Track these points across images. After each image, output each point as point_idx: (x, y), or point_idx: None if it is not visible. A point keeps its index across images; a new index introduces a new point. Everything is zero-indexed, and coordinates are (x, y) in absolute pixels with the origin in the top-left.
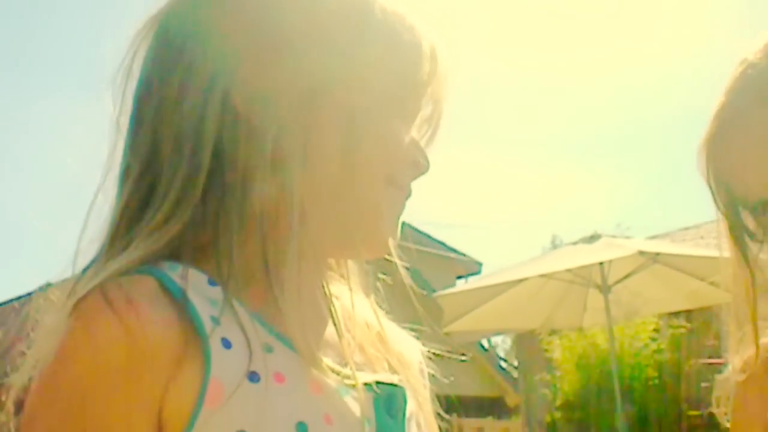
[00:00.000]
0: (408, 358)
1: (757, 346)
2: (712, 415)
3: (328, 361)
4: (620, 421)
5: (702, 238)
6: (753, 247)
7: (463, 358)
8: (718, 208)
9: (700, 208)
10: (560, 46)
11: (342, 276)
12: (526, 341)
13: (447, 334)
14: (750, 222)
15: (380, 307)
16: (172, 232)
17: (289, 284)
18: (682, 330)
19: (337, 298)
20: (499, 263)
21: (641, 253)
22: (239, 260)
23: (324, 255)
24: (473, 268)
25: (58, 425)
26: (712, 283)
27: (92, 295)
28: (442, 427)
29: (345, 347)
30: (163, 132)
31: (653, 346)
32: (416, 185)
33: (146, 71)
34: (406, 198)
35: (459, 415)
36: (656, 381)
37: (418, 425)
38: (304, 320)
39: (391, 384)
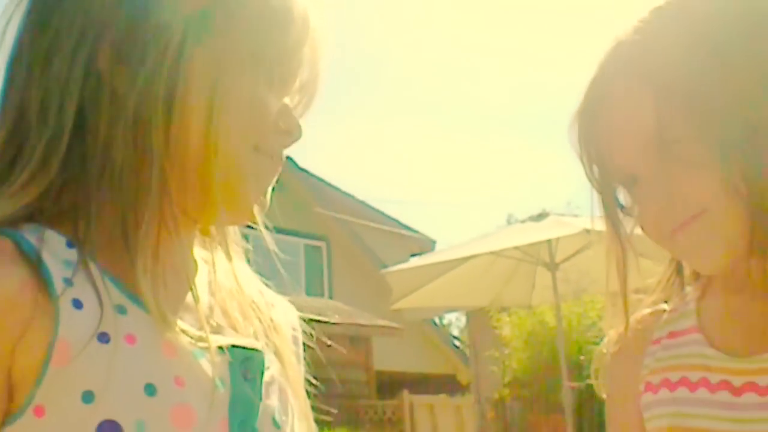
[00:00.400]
0: (279, 324)
1: (627, 319)
2: None
3: (185, 324)
4: (566, 397)
5: None
6: (628, 222)
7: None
8: (591, 183)
9: None
10: (518, 27)
11: (219, 243)
12: (477, 319)
13: (397, 310)
14: (625, 197)
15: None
16: (32, 195)
17: (144, 247)
18: None
19: (206, 262)
20: (454, 242)
21: (587, 231)
22: (98, 223)
23: (187, 219)
24: (427, 246)
25: None
26: (658, 261)
27: None
28: (311, 392)
29: (200, 311)
30: (30, 95)
31: (601, 324)
32: (372, 162)
33: (19, 34)
34: (278, 166)
35: (410, 392)
36: None
37: (282, 390)
38: (159, 283)
39: (250, 348)
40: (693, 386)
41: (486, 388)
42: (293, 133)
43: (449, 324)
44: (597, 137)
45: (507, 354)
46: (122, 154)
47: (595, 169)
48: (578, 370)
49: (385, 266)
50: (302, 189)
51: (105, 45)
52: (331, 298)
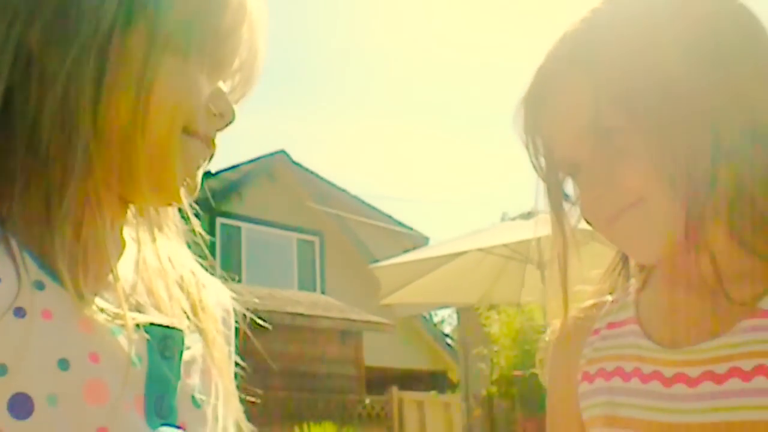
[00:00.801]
0: (208, 305)
1: (566, 310)
2: None
3: (104, 302)
4: None
5: None
6: (574, 213)
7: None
8: (537, 172)
9: None
10: (514, 22)
11: (143, 223)
12: (468, 316)
13: (387, 306)
14: (573, 188)
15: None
16: None
17: (63, 225)
18: None
19: (136, 242)
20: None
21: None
22: (22, 201)
23: (114, 199)
24: (421, 242)
25: None
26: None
27: None
28: (238, 373)
29: (119, 289)
30: None
31: None
32: (369, 159)
33: None
34: (209, 149)
35: (401, 389)
36: None
37: (206, 371)
38: (79, 261)
39: (170, 327)
40: (627, 376)
41: (474, 386)
42: (226, 117)
43: (442, 321)
44: (541, 125)
45: (495, 351)
46: (48, 134)
47: (540, 158)
48: None
49: (378, 262)
50: (296, 183)
51: (36, 26)
52: (323, 293)
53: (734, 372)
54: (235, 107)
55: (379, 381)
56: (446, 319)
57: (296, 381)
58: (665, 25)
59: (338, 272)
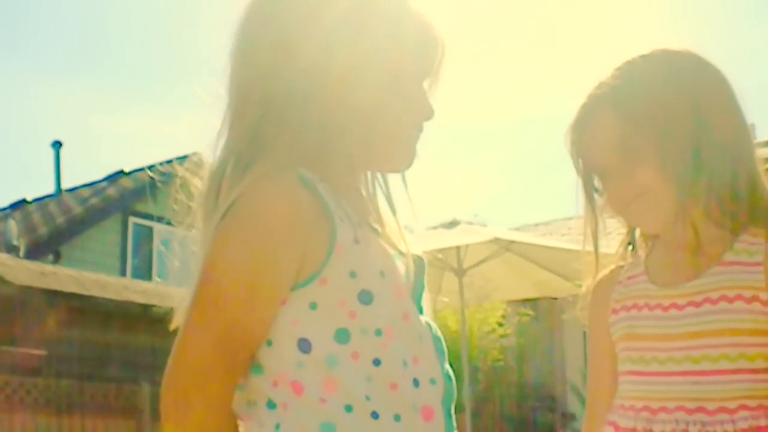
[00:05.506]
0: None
1: (597, 269)
2: (552, 398)
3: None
4: (466, 399)
5: (551, 234)
6: (599, 200)
7: None
8: (577, 173)
9: (551, 206)
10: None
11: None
12: None
13: None
14: (598, 183)
15: None
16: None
17: (348, 186)
18: (527, 317)
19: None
20: None
21: (497, 240)
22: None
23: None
24: None
25: (244, 248)
26: (559, 275)
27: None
28: None
29: (400, 229)
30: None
31: (500, 330)
32: None
33: None
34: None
35: None
36: (501, 363)
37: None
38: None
39: (420, 257)
40: (639, 308)
41: None
42: (433, 114)
43: None
44: (583, 141)
45: None
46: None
47: (580, 162)
48: (476, 373)
49: None
50: None
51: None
52: None
53: (707, 300)
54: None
55: None
56: None
57: None
58: (668, 81)
59: None
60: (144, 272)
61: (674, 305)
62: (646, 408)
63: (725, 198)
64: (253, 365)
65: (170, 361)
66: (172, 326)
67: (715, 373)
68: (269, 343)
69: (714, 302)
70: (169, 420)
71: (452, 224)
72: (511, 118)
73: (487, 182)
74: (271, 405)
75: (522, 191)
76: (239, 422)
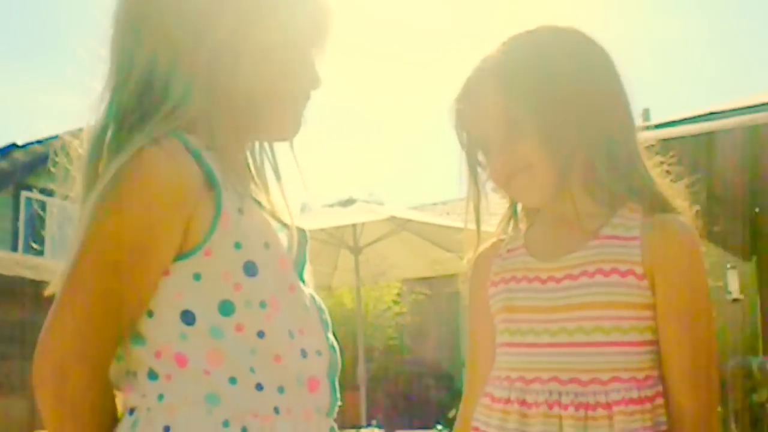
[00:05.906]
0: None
1: (478, 242)
2: (449, 377)
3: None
4: (361, 377)
5: (448, 213)
6: (482, 174)
7: None
8: (462, 146)
9: (447, 186)
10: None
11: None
12: None
13: None
14: (482, 158)
15: None
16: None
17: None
18: (422, 296)
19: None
20: None
21: (393, 218)
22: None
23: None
24: None
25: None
26: (454, 254)
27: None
28: None
29: (285, 201)
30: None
31: (395, 308)
32: None
33: None
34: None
35: None
36: (396, 341)
37: None
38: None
39: (302, 229)
40: (518, 280)
41: None
42: (320, 81)
43: None
44: (466, 115)
45: None
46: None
47: (464, 136)
48: (371, 352)
49: None
50: None
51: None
52: None
53: (583, 273)
54: None
55: None
56: None
57: None
58: (552, 57)
59: None
60: (36, 248)
61: (552, 278)
62: (520, 378)
63: (604, 174)
64: (133, 335)
65: (45, 328)
66: (47, 292)
67: (589, 345)
68: (150, 314)
69: (590, 275)
70: (46, 388)
71: (348, 202)
72: (411, 96)
73: (385, 161)
74: (152, 376)
75: (421, 171)
76: (118, 393)
